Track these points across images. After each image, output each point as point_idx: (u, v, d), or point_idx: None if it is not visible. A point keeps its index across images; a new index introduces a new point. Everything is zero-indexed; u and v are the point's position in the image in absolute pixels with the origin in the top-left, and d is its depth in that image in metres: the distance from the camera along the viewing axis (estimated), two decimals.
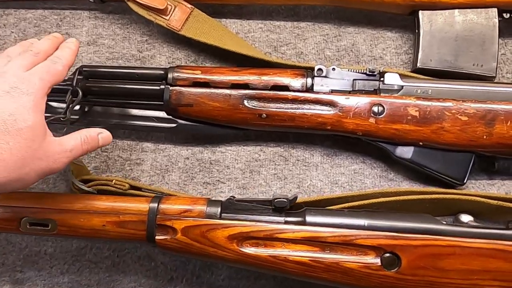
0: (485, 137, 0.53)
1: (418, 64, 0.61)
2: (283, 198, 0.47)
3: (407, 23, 0.66)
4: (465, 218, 0.54)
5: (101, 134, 0.50)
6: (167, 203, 0.49)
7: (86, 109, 0.62)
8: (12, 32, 0.69)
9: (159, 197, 0.49)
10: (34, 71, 0.47)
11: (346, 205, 0.53)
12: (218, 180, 0.60)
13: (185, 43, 0.67)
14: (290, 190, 0.59)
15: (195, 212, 0.48)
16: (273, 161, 0.60)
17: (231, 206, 0.48)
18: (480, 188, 0.57)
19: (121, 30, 0.69)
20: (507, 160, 0.57)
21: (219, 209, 0.48)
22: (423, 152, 0.55)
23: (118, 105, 0.61)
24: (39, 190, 0.60)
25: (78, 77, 0.60)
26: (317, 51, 0.66)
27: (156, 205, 0.48)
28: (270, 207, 0.48)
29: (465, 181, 0.54)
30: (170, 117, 0.60)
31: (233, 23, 0.68)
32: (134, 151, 0.62)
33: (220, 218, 0.47)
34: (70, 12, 0.70)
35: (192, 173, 0.60)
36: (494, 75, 0.59)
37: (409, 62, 0.64)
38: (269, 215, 0.47)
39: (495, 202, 0.52)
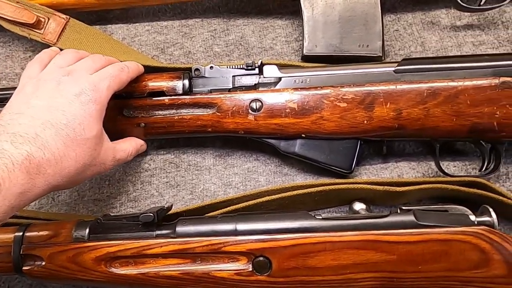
0: (366, 121, 0.51)
1: (304, 52, 0.58)
2: (150, 212, 0.45)
3: (296, 9, 0.63)
4: (358, 206, 0.52)
5: (142, 147, 0.55)
6: (33, 230, 0.46)
7: None
8: None
9: (26, 225, 0.47)
10: (103, 75, 0.48)
11: (231, 208, 0.51)
12: (109, 196, 0.57)
13: None
14: (183, 197, 0.57)
15: (62, 237, 0.46)
16: (164, 169, 0.58)
17: (100, 226, 0.46)
18: (373, 173, 0.55)
19: (2, 48, 0.65)
20: (395, 142, 0.56)
21: (87, 231, 0.46)
22: (308, 144, 0.53)
23: None
24: None
25: None
26: (205, 48, 0.63)
27: (21, 234, 0.46)
28: (139, 222, 0.46)
29: (352, 169, 0.52)
30: None
31: (119, 28, 0.65)
32: None
33: (89, 240, 0.46)
34: None
35: (82, 191, 0.58)
36: (381, 54, 0.57)
37: (299, 49, 0.62)
38: (139, 231, 0.46)
39: (381, 187, 0.50)
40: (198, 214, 0.51)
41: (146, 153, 0.59)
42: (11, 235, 0.46)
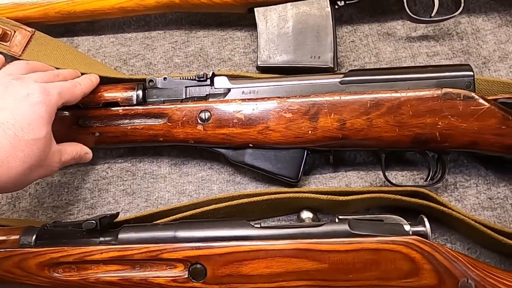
0: (310, 132, 0.52)
1: (258, 63, 0.60)
2: (92, 220, 0.46)
3: (254, 21, 0.65)
4: (305, 215, 0.53)
5: (87, 155, 0.55)
6: None
7: None
8: None
9: None
10: (54, 85, 0.49)
11: (179, 215, 0.52)
12: (67, 203, 0.59)
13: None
14: (138, 204, 0.58)
15: (9, 242, 0.47)
16: (121, 177, 0.59)
17: (48, 233, 0.48)
18: (322, 182, 0.56)
19: None
20: (345, 152, 0.56)
21: (33, 237, 0.47)
22: (256, 154, 0.54)
23: None
24: None
25: None
26: (165, 60, 0.65)
27: None
28: (83, 229, 0.47)
29: (299, 178, 0.53)
30: None
31: (85, 40, 0.67)
32: None
33: (35, 246, 0.47)
34: None
35: (42, 198, 0.60)
36: (332, 65, 0.58)
37: (256, 60, 0.63)
38: (83, 238, 0.47)
39: (324, 196, 0.51)
40: (147, 221, 0.52)
41: (104, 162, 0.60)
42: None
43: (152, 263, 0.45)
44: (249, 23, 0.65)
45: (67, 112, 0.56)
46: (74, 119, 0.56)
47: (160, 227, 0.47)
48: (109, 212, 0.51)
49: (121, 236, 0.46)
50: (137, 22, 0.67)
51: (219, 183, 0.58)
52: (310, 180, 0.56)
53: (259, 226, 0.46)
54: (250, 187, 0.57)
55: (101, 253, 0.45)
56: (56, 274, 0.46)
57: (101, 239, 0.47)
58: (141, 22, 0.67)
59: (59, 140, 0.55)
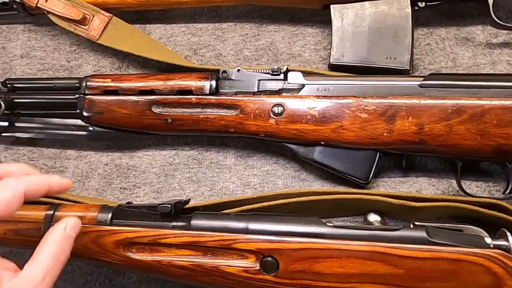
0: (386, 134, 0.51)
1: (331, 60, 0.59)
2: (167, 204, 0.47)
3: (328, 18, 0.64)
4: (372, 217, 0.52)
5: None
6: (62, 210, 0.50)
7: (12, 121, 0.65)
8: None
9: (57, 205, 0.51)
10: None
11: (246, 207, 0.52)
12: (135, 185, 0.61)
13: (110, 51, 0.68)
14: (203, 193, 0.59)
15: (86, 218, 0.49)
16: (187, 165, 0.61)
17: (122, 213, 0.49)
18: (391, 186, 0.55)
19: (52, 41, 0.71)
20: (416, 157, 0.55)
21: (109, 216, 0.49)
22: (327, 152, 0.54)
23: (40, 116, 0.64)
24: None
25: (2, 89, 0.63)
26: (235, 52, 0.65)
27: (51, 212, 0.50)
28: (158, 212, 0.48)
29: (369, 180, 0.53)
30: (87, 125, 0.62)
31: (157, 28, 0.69)
32: (59, 159, 0.64)
33: (111, 224, 0.49)
34: (7, 27, 0.73)
35: (110, 179, 0.62)
36: (408, 68, 0.57)
37: (327, 58, 0.63)
38: (156, 221, 0.48)
39: (396, 201, 0.50)
40: (214, 210, 0.53)
41: (172, 148, 0.62)
42: (42, 213, 0.50)
43: (224, 252, 0.45)
44: (321, 20, 0.65)
45: (140, 97, 0.58)
46: (147, 105, 0.58)
47: (232, 217, 0.48)
48: (178, 198, 0.52)
49: (194, 222, 0.47)
50: (208, 13, 0.68)
51: (284, 178, 0.58)
52: (378, 183, 0.55)
53: (331, 224, 0.46)
54: (315, 184, 0.57)
55: (175, 237, 0.46)
56: (129, 254, 0.47)
57: (174, 223, 0.48)
58: (213, 13, 0.68)
59: (132, 125, 0.57)
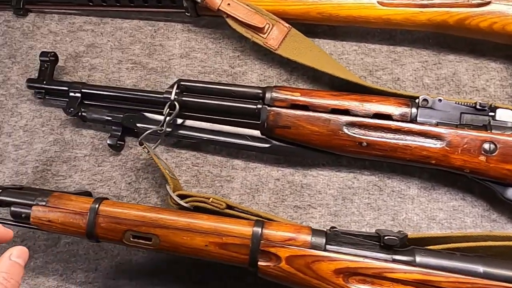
0: None
1: None
2: (394, 236, 0.45)
3: None
4: None
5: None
6: (270, 228, 0.48)
7: (178, 122, 0.63)
8: (109, 40, 0.71)
9: (262, 222, 0.49)
10: None
11: (450, 245, 0.50)
12: (309, 205, 0.59)
13: (276, 61, 0.67)
14: (384, 222, 0.57)
15: (300, 241, 0.47)
16: (367, 190, 0.58)
17: (336, 238, 0.47)
18: None
19: (213, 44, 0.69)
20: None
21: (324, 240, 0.47)
22: None
23: (212, 121, 0.62)
24: (131, 199, 0.62)
25: (176, 90, 0.61)
26: (415, 78, 0.63)
27: (259, 230, 0.47)
28: (378, 243, 0.46)
29: None
30: (264, 137, 0.60)
31: (326, 44, 0.67)
32: (225, 167, 0.62)
33: (325, 250, 0.46)
34: (164, 24, 0.71)
35: (282, 195, 0.59)
36: None
37: None
38: (376, 252, 0.46)
39: None
40: (415, 243, 0.51)
41: (349, 171, 0.60)
42: (249, 229, 0.48)
43: None
44: (504, 55, 0.63)
45: (332, 116, 0.56)
46: (339, 125, 0.56)
47: (459, 257, 0.45)
48: (388, 229, 0.49)
49: (420, 259, 0.45)
50: (381, 34, 0.66)
51: (472, 216, 0.56)
52: None
53: None
54: (508, 227, 0.55)
55: (404, 272, 0.44)
56: (350, 284, 0.45)
57: (395, 257, 0.46)
58: (386, 35, 0.67)
59: (321, 144, 0.55)
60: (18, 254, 0.42)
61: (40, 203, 0.52)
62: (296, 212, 0.58)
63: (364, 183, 0.59)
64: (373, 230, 0.56)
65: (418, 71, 0.64)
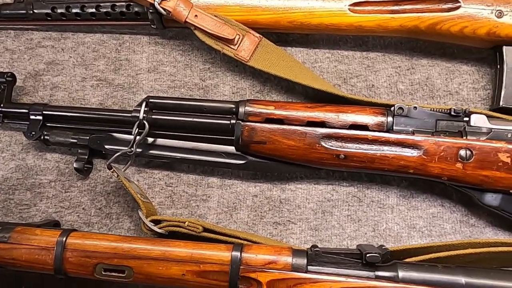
0: None
1: (501, 103, 0.57)
2: (375, 253, 0.44)
3: (483, 56, 0.63)
4: None
5: None
6: (250, 252, 0.46)
7: (149, 142, 0.60)
8: (71, 57, 0.67)
9: (240, 245, 0.47)
10: None
11: (432, 255, 0.50)
12: (289, 221, 0.57)
13: (249, 72, 0.65)
14: (365, 233, 0.56)
15: (281, 264, 0.45)
16: (346, 202, 0.57)
17: (317, 258, 0.46)
18: None
19: (182, 57, 0.66)
20: None
21: (305, 261, 0.45)
22: None
23: (185, 138, 0.59)
24: (102, 225, 0.58)
25: (145, 108, 0.58)
26: (389, 84, 0.63)
27: (238, 254, 0.46)
28: (360, 260, 0.45)
29: None
30: (240, 153, 0.58)
31: (299, 52, 0.66)
32: (200, 186, 0.59)
33: (307, 271, 0.45)
34: (130, 37, 0.68)
35: (261, 212, 0.58)
36: None
37: (487, 98, 0.61)
38: (358, 269, 0.45)
39: None
40: (396, 256, 0.50)
41: (327, 183, 0.58)
42: (228, 254, 0.46)
43: None
44: (475, 58, 0.63)
45: (308, 129, 0.55)
46: (316, 138, 0.54)
47: (441, 269, 0.45)
48: (369, 244, 0.49)
49: (403, 274, 0.44)
50: (354, 40, 0.65)
51: (451, 222, 0.56)
52: None
53: None
54: (487, 231, 0.55)
55: None
56: None
57: (378, 273, 0.45)
58: (359, 41, 0.65)
59: (298, 158, 0.53)
60: None
61: (2, 240, 0.48)
62: (275, 228, 0.57)
63: (343, 195, 0.58)
64: (354, 243, 0.56)
65: (392, 77, 0.63)
